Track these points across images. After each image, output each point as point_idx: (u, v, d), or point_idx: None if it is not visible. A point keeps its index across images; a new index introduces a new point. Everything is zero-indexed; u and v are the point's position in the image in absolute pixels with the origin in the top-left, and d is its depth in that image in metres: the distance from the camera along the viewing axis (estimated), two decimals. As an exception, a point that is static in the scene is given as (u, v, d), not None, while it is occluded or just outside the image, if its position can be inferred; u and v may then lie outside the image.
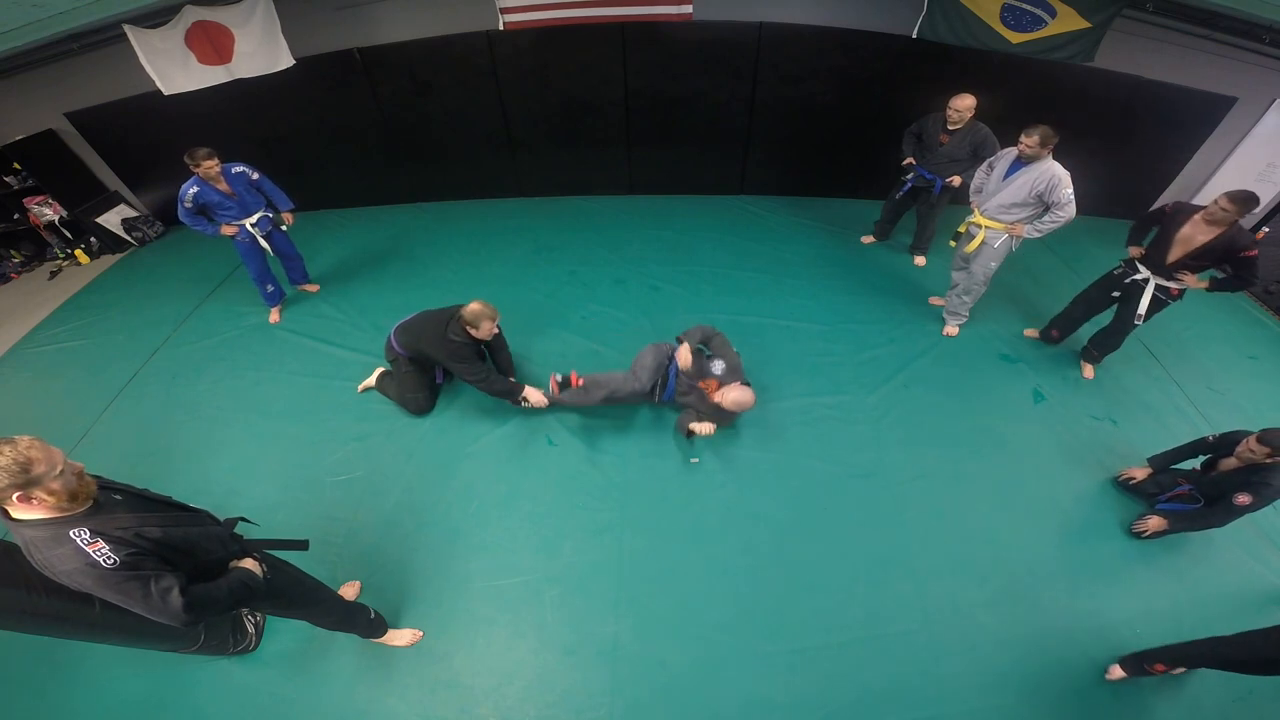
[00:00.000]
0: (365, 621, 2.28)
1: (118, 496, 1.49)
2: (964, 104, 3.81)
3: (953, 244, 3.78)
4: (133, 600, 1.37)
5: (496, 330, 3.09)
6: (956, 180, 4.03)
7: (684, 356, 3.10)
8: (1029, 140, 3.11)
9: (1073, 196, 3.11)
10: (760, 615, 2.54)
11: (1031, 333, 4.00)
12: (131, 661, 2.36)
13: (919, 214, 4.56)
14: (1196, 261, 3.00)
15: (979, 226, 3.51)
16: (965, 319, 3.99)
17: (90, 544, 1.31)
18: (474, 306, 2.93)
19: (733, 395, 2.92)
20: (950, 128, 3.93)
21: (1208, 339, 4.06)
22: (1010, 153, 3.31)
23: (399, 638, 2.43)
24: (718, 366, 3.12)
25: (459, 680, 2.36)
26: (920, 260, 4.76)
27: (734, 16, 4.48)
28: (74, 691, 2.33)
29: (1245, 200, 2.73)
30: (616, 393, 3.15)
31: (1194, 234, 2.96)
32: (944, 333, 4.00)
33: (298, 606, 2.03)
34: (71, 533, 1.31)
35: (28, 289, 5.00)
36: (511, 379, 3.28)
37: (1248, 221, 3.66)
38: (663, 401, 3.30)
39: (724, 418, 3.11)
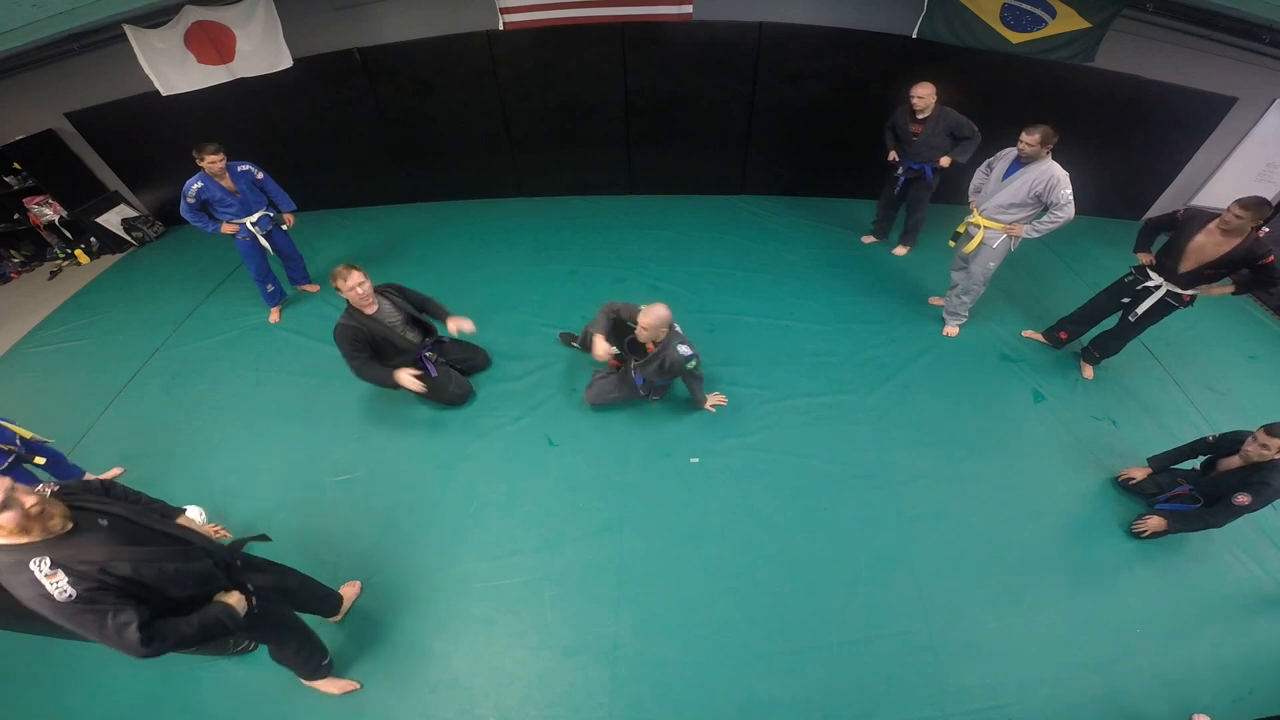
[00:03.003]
0: (316, 666, 2.19)
1: (103, 522, 1.45)
2: (925, 90, 3.84)
3: (952, 244, 3.78)
4: (88, 631, 1.35)
5: (364, 291, 2.82)
6: (945, 160, 4.04)
7: (599, 349, 3.04)
8: (1029, 139, 3.11)
9: (1071, 197, 3.11)
10: (760, 615, 2.54)
11: (1030, 334, 4.00)
12: (131, 661, 2.32)
13: (910, 200, 4.54)
14: (1215, 271, 2.95)
15: (978, 226, 3.51)
16: (965, 319, 3.99)
17: (49, 575, 1.29)
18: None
19: (642, 319, 2.82)
20: (920, 116, 3.95)
21: (1208, 339, 4.06)
22: (1010, 153, 3.31)
23: (331, 686, 2.27)
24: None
25: (459, 680, 2.36)
26: (901, 250, 4.76)
27: (734, 16, 4.48)
28: (74, 691, 2.33)
29: (1258, 205, 2.69)
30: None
31: (1208, 243, 2.90)
32: (944, 333, 4.00)
33: (265, 637, 2.03)
34: (31, 563, 1.29)
35: (28, 289, 5.00)
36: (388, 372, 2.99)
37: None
38: (647, 394, 3.32)
39: (694, 384, 3.17)
